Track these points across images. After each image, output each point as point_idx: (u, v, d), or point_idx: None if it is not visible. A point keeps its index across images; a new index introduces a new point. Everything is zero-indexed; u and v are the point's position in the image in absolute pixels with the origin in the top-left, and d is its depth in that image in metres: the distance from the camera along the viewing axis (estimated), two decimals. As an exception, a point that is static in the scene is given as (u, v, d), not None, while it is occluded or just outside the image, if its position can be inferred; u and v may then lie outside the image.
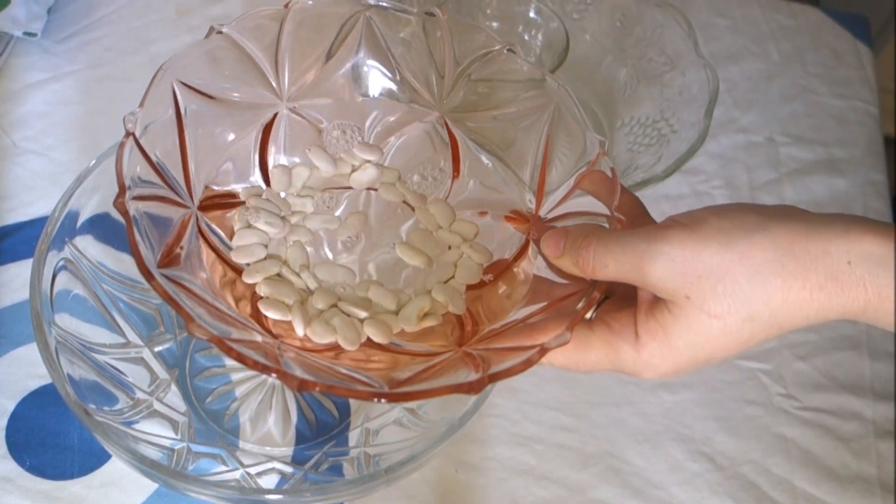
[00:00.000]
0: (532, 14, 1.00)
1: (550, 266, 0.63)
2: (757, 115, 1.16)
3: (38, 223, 0.92)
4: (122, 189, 0.60)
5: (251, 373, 0.82)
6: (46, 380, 0.81)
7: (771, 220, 0.54)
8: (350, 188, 0.74)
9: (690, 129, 0.94)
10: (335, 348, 0.63)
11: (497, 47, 0.72)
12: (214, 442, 0.77)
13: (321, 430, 0.81)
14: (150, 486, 0.77)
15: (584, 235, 0.59)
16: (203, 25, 1.11)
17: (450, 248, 0.72)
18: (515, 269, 0.70)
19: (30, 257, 0.81)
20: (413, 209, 0.74)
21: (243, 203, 0.71)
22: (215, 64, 0.69)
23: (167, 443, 0.73)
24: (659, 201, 1.02)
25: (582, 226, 0.63)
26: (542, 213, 0.70)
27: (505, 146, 0.74)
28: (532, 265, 0.69)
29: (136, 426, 0.72)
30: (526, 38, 1.01)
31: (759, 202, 0.96)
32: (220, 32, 0.68)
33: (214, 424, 0.79)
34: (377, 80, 0.77)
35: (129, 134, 0.62)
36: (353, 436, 0.80)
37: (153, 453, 0.68)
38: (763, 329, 0.55)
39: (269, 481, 0.76)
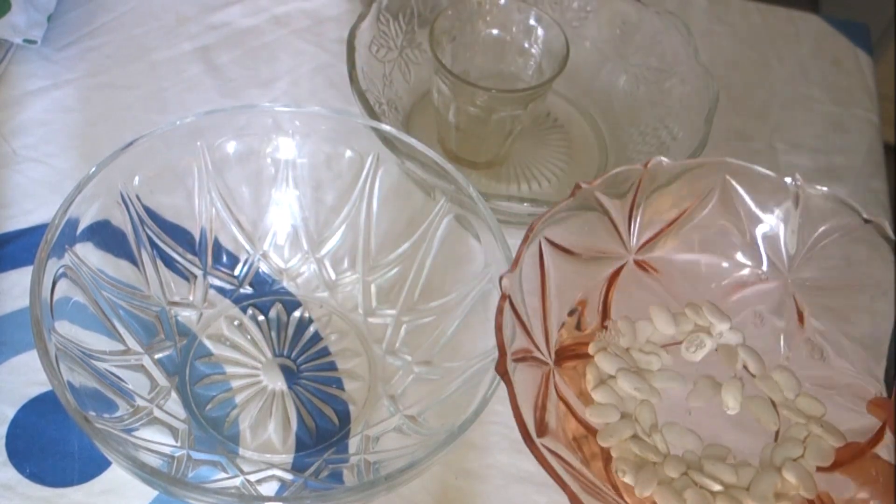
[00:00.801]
0: (532, 21, 1.00)
1: None
2: (757, 123, 1.16)
3: (38, 231, 0.92)
4: (504, 352, 0.63)
5: (251, 380, 0.83)
6: (47, 387, 0.81)
7: None
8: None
9: (690, 136, 0.94)
10: None
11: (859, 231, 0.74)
12: (214, 449, 0.77)
13: (321, 437, 0.80)
14: (150, 493, 0.77)
15: None
16: (203, 33, 1.13)
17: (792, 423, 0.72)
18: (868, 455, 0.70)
19: (30, 264, 0.80)
20: (753, 376, 0.74)
21: (589, 356, 0.73)
22: (574, 220, 0.73)
23: (167, 450, 0.73)
24: None
25: None
26: None
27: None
28: (890, 452, 0.68)
29: (136, 433, 0.72)
30: (525, 45, 1.01)
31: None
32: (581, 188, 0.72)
33: (214, 431, 0.79)
34: (725, 240, 0.79)
35: (505, 297, 0.65)
36: (353, 443, 0.80)
37: (153, 460, 0.69)
38: None
39: (269, 488, 0.76)
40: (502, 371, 0.63)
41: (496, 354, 0.63)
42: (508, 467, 0.82)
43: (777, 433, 0.72)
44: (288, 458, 0.79)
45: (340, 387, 0.84)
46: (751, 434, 0.72)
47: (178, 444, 0.75)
